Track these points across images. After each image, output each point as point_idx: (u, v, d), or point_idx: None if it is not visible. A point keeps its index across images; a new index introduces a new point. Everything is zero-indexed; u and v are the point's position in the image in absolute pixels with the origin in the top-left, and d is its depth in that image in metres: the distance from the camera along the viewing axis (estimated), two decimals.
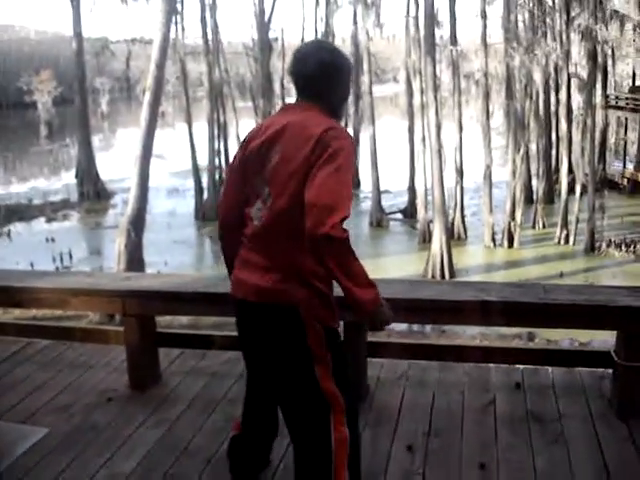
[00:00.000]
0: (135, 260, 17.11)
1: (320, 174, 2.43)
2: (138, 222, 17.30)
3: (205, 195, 28.77)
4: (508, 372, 4.30)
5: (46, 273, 6.39)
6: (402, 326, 13.63)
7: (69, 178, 34.88)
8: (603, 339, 11.58)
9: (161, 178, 32.75)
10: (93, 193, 31.98)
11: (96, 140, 42.04)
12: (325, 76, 2.66)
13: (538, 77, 24.91)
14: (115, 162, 36.58)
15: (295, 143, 2.55)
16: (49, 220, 28.09)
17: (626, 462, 3.33)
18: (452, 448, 3.51)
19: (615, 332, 3.85)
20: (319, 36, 32.69)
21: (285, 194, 2.55)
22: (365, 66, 28.11)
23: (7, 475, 3.37)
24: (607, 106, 29.84)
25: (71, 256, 21.74)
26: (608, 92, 31.40)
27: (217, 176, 29.45)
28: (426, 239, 22.57)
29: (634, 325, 3.66)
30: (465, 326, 13.02)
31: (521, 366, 4.33)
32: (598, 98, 26.71)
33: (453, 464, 3.36)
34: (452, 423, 3.76)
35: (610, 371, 3.95)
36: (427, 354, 4.34)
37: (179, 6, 28.58)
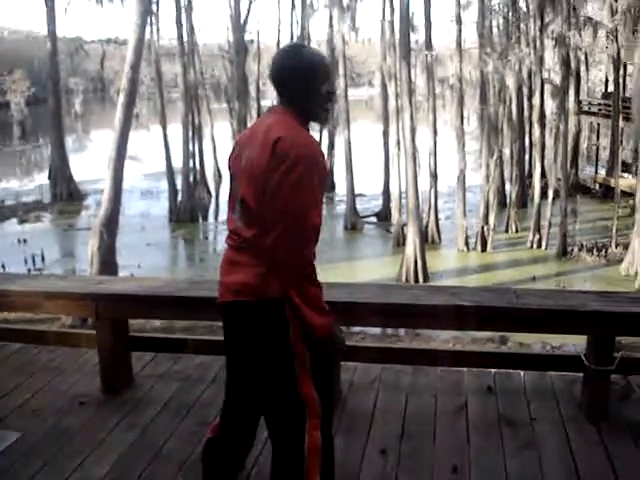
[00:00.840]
0: (108, 262, 17.00)
1: (284, 188, 2.45)
2: (111, 224, 17.19)
3: (179, 197, 28.64)
4: (480, 376, 4.32)
5: (18, 276, 6.33)
6: (376, 329, 13.67)
7: (42, 179, 34.56)
8: (575, 342, 11.74)
9: (135, 180, 32.55)
10: (66, 194, 31.72)
11: (69, 141, 41.73)
12: (295, 80, 2.63)
13: (512, 82, 25.12)
14: (89, 163, 36.27)
15: (257, 148, 2.55)
16: (21, 221, 27.80)
17: (596, 466, 3.37)
18: (425, 452, 3.53)
19: (585, 336, 3.90)
20: (295, 39, 32.71)
21: (252, 197, 2.56)
22: (340, 70, 28.17)
23: None
24: (580, 112, 30.19)
25: (43, 258, 21.53)
26: (581, 98, 31.78)
27: (191, 178, 29.34)
28: (400, 242, 22.66)
29: (603, 329, 3.72)
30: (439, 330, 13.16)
31: (493, 370, 4.36)
32: (571, 104, 27.02)
33: (426, 468, 3.38)
34: (425, 427, 3.78)
35: (581, 375, 4.00)
36: (400, 358, 4.36)
37: (154, 7, 28.44)
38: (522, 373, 4.34)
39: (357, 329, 12.98)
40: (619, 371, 3.84)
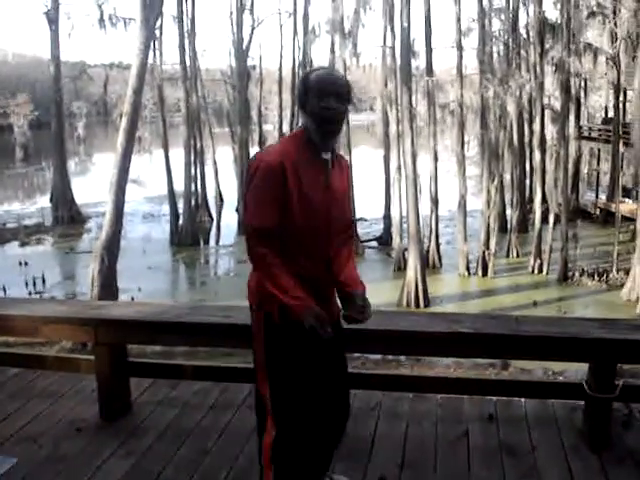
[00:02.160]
0: (108, 286, 17.01)
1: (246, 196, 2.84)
2: (112, 247, 17.22)
3: (181, 220, 28.67)
4: (481, 403, 4.29)
5: (17, 300, 6.31)
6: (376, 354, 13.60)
7: (44, 202, 34.64)
8: (576, 368, 11.67)
9: (137, 203, 32.66)
10: (68, 217, 31.77)
11: (72, 164, 41.90)
12: (297, 100, 2.91)
13: (512, 108, 25.25)
14: (91, 186, 36.40)
15: None
16: (23, 244, 27.82)
17: None
18: (426, 479, 3.49)
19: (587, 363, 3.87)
20: (297, 65, 32.93)
21: None
22: None
23: None
24: (580, 137, 30.32)
25: (44, 280, 21.51)
26: (581, 123, 31.93)
27: (193, 201, 29.39)
28: (401, 267, 22.64)
29: (605, 357, 3.69)
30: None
31: (494, 397, 4.32)
32: (571, 129, 27.13)
33: None
34: (425, 455, 3.74)
35: (582, 402, 3.96)
36: (400, 385, 4.32)
37: (157, 32, 28.67)
38: (523, 400, 4.30)
39: (357, 355, 12.92)
40: (621, 399, 3.81)
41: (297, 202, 2.76)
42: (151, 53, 24.86)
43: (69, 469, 3.67)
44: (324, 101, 2.76)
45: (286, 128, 34.30)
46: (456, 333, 3.72)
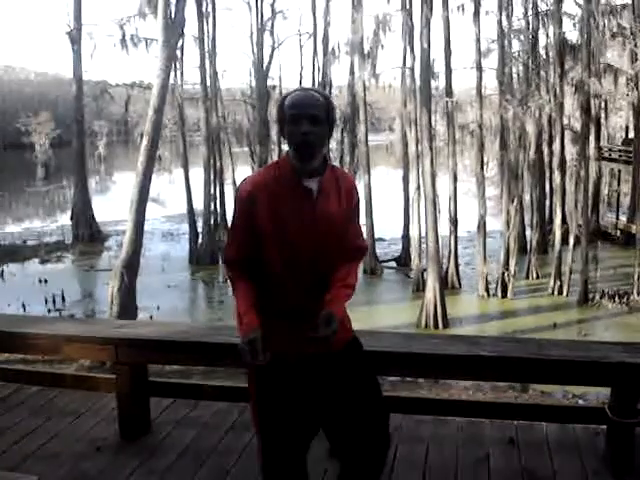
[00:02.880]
0: (128, 304, 17.08)
1: None
2: (132, 266, 17.30)
3: (200, 239, 28.79)
4: (502, 427, 4.25)
5: (38, 318, 6.37)
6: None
7: (64, 220, 34.92)
8: (597, 391, 11.54)
9: (156, 221, 32.86)
10: (88, 235, 31.99)
11: (92, 182, 42.26)
12: (277, 125, 2.96)
13: (532, 129, 25.18)
14: (111, 205, 36.69)
15: None
16: (43, 261, 28.04)
17: None
18: None
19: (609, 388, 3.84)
20: (316, 85, 33.09)
21: None
22: (361, 115, 28.41)
23: None
24: (600, 158, 30.14)
25: (64, 298, 21.64)
26: (601, 144, 31.76)
27: (212, 221, 29.51)
28: (420, 288, 22.55)
29: (628, 382, 3.65)
30: None
31: (515, 421, 4.29)
32: (592, 150, 26.99)
33: None
34: (446, 479, 3.71)
35: (604, 427, 3.92)
36: (421, 408, 4.30)
37: (178, 53, 28.95)
38: (545, 424, 4.26)
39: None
40: None
41: (271, 234, 2.72)
42: (172, 73, 25.11)
43: None
44: (297, 125, 2.69)
45: None
46: (476, 356, 3.70)
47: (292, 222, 2.71)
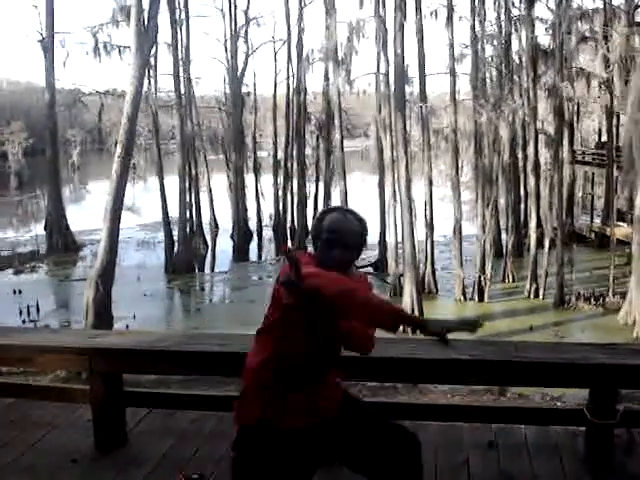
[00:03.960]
0: (103, 313, 16.93)
1: None
2: (107, 275, 17.16)
3: (176, 248, 28.62)
4: (481, 431, 4.24)
5: (11, 329, 6.27)
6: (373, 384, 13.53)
7: (38, 229, 34.56)
8: (575, 393, 11.59)
9: (131, 230, 32.63)
10: (62, 245, 31.68)
11: (66, 192, 41.90)
12: (311, 234, 3.00)
13: (505, 133, 25.36)
14: (85, 214, 36.38)
15: None
16: (17, 272, 27.72)
17: None
18: None
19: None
20: (291, 91, 33.20)
21: None
22: (336, 122, 28.45)
23: None
24: (574, 161, 30.41)
25: (38, 309, 21.39)
26: (575, 148, 32.07)
27: (188, 229, 29.38)
28: (397, 292, 22.61)
29: (605, 383, 3.66)
30: None
31: (494, 425, 4.28)
32: (565, 153, 27.24)
33: None
34: None
35: (583, 429, 3.93)
36: (399, 413, 4.27)
37: (152, 60, 28.84)
38: (523, 427, 4.26)
39: (354, 382, 12.83)
40: (622, 424, 3.77)
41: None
42: (146, 81, 25.00)
43: None
44: (331, 249, 2.80)
45: (280, 155, 34.42)
46: (454, 360, 3.69)
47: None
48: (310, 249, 2.95)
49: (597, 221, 30.51)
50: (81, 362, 4.18)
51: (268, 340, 2.80)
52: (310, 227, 2.99)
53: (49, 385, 5.97)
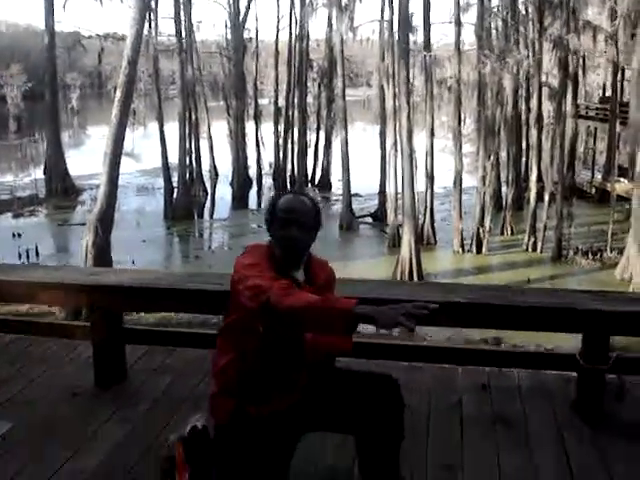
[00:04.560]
0: (102, 257, 16.97)
1: None
2: (106, 219, 17.16)
3: (175, 194, 28.59)
4: (474, 374, 4.30)
5: (13, 266, 6.30)
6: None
7: (38, 174, 34.47)
8: (569, 345, 11.70)
9: (131, 176, 32.57)
10: (61, 189, 31.65)
11: (66, 136, 41.63)
12: (265, 220, 2.96)
13: (509, 84, 25.12)
14: (84, 159, 36.24)
15: None
16: (16, 216, 27.75)
17: (590, 465, 3.36)
18: (418, 449, 3.50)
19: (580, 337, 3.88)
20: (294, 38, 32.78)
21: None
22: (339, 70, 28.16)
23: None
24: (577, 115, 30.21)
25: (37, 252, 21.48)
26: (578, 102, 31.81)
27: (187, 175, 29.30)
28: (396, 243, 22.66)
29: (598, 328, 3.70)
30: (432, 331, 13.19)
31: (488, 368, 4.34)
32: (568, 107, 27.02)
33: (420, 465, 3.36)
34: (418, 424, 3.75)
35: (575, 374, 3.98)
36: (394, 354, 4.33)
37: (153, 3, 28.41)
38: (516, 371, 4.32)
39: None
40: (614, 370, 3.82)
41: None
42: (146, 24, 24.65)
43: (65, 433, 3.68)
44: (286, 230, 2.78)
45: (282, 102, 34.12)
46: (451, 303, 3.73)
47: None
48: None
49: (598, 176, 30.44)
50: (82, 298, 4.22)
51: (232, 339, 2.84)
52: (265, 212, 2.96)
53: (50, 322, 6.02)
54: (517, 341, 13.69)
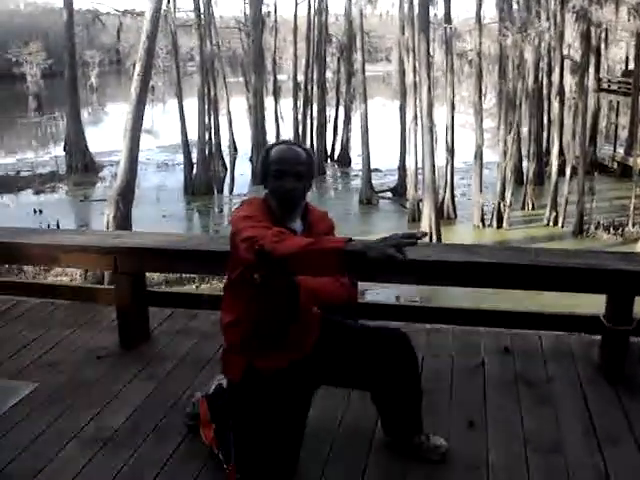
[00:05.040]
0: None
1: None
2: (127, 194, 17.22)
3: (195, 170, 28.64)
4: (497, 336, 4.30)
5: (37, 230, 6.35)
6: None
7: (58, 151, 34.62)
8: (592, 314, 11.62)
9: (150, 152, 32.64)
10: (82, 166, 31.75)
11: (85, 113, 41.75)
12: (259, 173, 2.95)
13: (531, 57, 24.83)
14: (104, 135, 36.35)
15: None
16: (37, 192, 27.92)
17: (614, 425, 3.35)
18: (441, 408, 3.52)
19: (605, 297, 3.86)
20: (312, 12, 32.55)
21: None
22: (358, 43, 27.96)
23: None
24: (599, 89, 29.83)
25: (59, 228, 21.62)
26: (601, 75, 31.39)
27: (207, 151, 29.30)
28: (415, 218, 22.60)
29: (623, 289, 3.68)
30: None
31: (510, 330, 4.33)
32: (591, 81, 26.69)
33: (442, 423, 3.37)
34: (441, 385, 3.77)
35: (599, 337, 3.97)
36: (416, 316, 4.34)
37: None
38: (540, 333, 4.31)
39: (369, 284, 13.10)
40: (638, 332, 3.80)
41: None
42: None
43: (90, 393, 3.72)
44: (282, 181, 2.76)
45: (300, 78, 33.97)
46: (474, 263, 3.72)
47: None
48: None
49: (620, 151, 30.04)
50: (106, 261, 4.24)
51: (235, 295, 2.84)
52: (258, 165, 2.94)
53: (74, 285, 6.08)
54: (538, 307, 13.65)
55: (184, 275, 15.45)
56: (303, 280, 2.68)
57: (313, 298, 2.76)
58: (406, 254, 2.25)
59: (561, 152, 25.00)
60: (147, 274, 4.54)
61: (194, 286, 15.90)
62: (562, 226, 22.61)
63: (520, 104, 25.17)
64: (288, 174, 2.76)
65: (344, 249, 2.28)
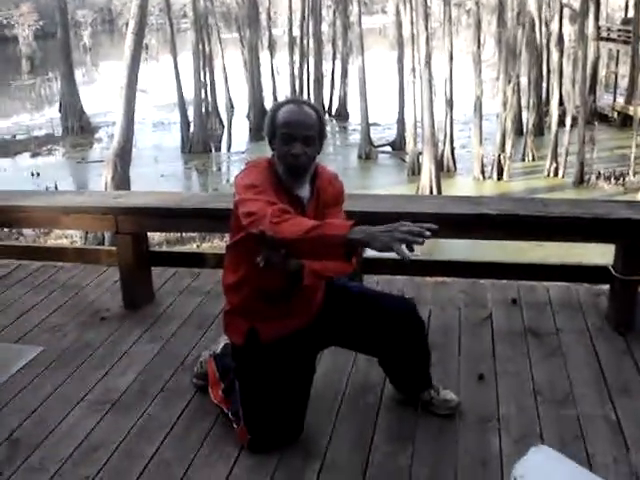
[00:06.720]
0: None
1: None
2: (125, 154, 17.10)
3: (191, 128, 28.42)
4: (504, 288, 4.26)
5: (36, 192, 6.29)
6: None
7: (53, 113, 34.35)
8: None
9: (146, 112, 32.32)
10: (77, 127, 31.55)
11: (79, 74, 41.27)
12: (265, 134, 2.79)
13: (530, 5, 24.47)
14: (99, 96, 36.00)
15: None
16: (34, 155, 27.80)
17: (624, 373, 3.33)
18: (450, 361, 3.50)
19: (613, 248, 3.81)
20: None
21: None
22: None
23: (3, 391, 3.35)
24: (599, 38, 29.46)
25: (57, 190, 21.53)
26: (600, 23, 30.97)
27: (203, 109, 29.06)
28: (415, 171, 22.50)
29: (633, 238, 3.62)
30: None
31: (517, 282, 4.30)
32: (590, 29, 26.35)
33: (452, 376, 3.35)
34: (449, 338, 3.74)
35: (607, 287, 3.93)
36: (423, 270, 4.29)
37: None
38: (547, 285, 4.28)
39: None
40: None
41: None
42: None
43: (96, 354, 3.70)
44: (290, 145, 2.58)
45: (296, 32, 33.50)
46: (482, 215, 3.66)
47: None
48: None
49: (620, 100, 29.78)
50: (107, 222, 4.18)
51: (238, 256, 2.75)
52: (265, 127, 2.72)
53: (76, 247, 6.04)
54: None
55: (185, 234, 15.45)
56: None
57: (317, 275, 2.69)
58: (409, 255, 2.12)
59: (561, 102, 24.79)
60: (148, 234, 4.47)
61: (195, 245, 15.91)
62: (563, 177, 22.55)
63: (519, 53, 24.89)
64: (297, 139, 2.58)
65: (347, 239, 2.18)
